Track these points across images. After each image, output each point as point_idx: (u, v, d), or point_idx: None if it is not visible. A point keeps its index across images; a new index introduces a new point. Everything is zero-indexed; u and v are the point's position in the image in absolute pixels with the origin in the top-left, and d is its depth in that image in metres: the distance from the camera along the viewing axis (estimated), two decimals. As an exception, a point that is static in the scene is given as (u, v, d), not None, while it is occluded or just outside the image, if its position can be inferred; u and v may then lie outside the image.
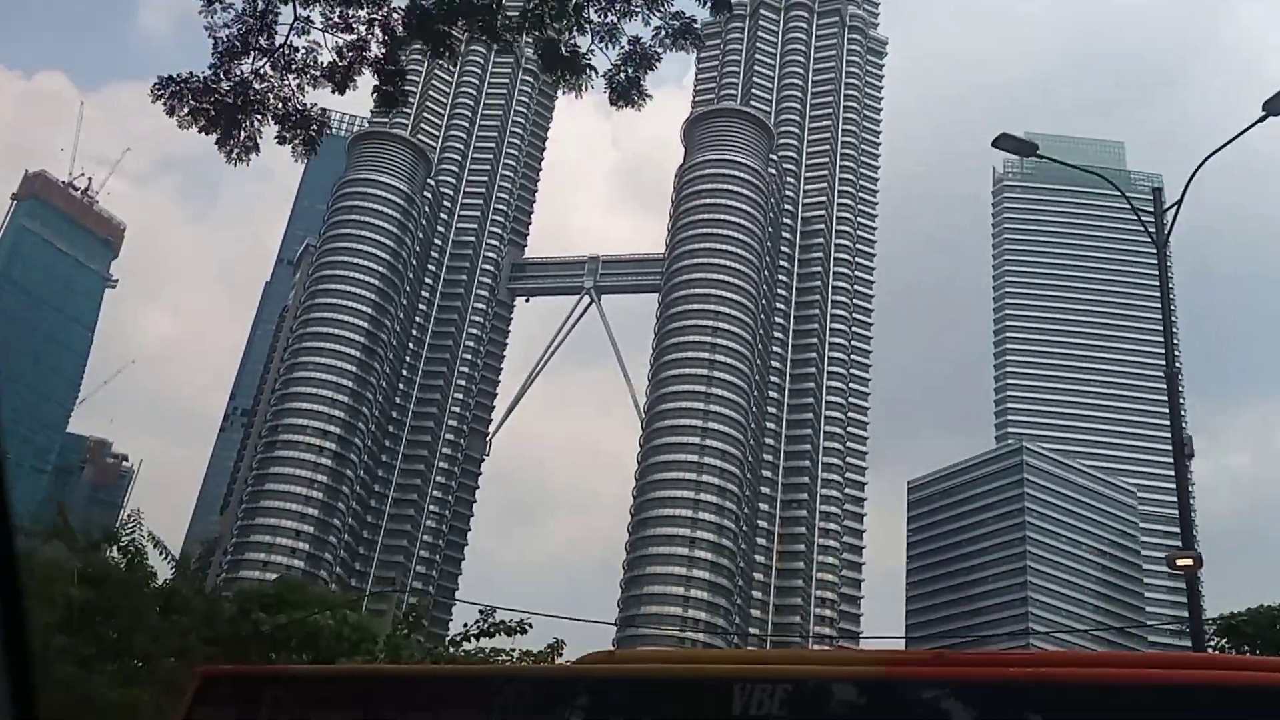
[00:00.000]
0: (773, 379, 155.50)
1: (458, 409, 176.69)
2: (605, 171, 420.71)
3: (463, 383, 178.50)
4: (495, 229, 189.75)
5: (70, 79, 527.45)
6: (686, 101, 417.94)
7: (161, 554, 30.70)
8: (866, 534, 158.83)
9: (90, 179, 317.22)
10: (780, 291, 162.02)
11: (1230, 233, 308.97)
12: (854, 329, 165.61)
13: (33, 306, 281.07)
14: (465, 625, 27.06)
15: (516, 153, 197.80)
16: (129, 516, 32.69)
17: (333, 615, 29.17)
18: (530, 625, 26.83)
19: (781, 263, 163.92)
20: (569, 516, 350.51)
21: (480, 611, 27.02)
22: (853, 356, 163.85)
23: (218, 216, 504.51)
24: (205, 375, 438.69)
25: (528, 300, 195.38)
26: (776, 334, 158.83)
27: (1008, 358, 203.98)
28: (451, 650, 28.74)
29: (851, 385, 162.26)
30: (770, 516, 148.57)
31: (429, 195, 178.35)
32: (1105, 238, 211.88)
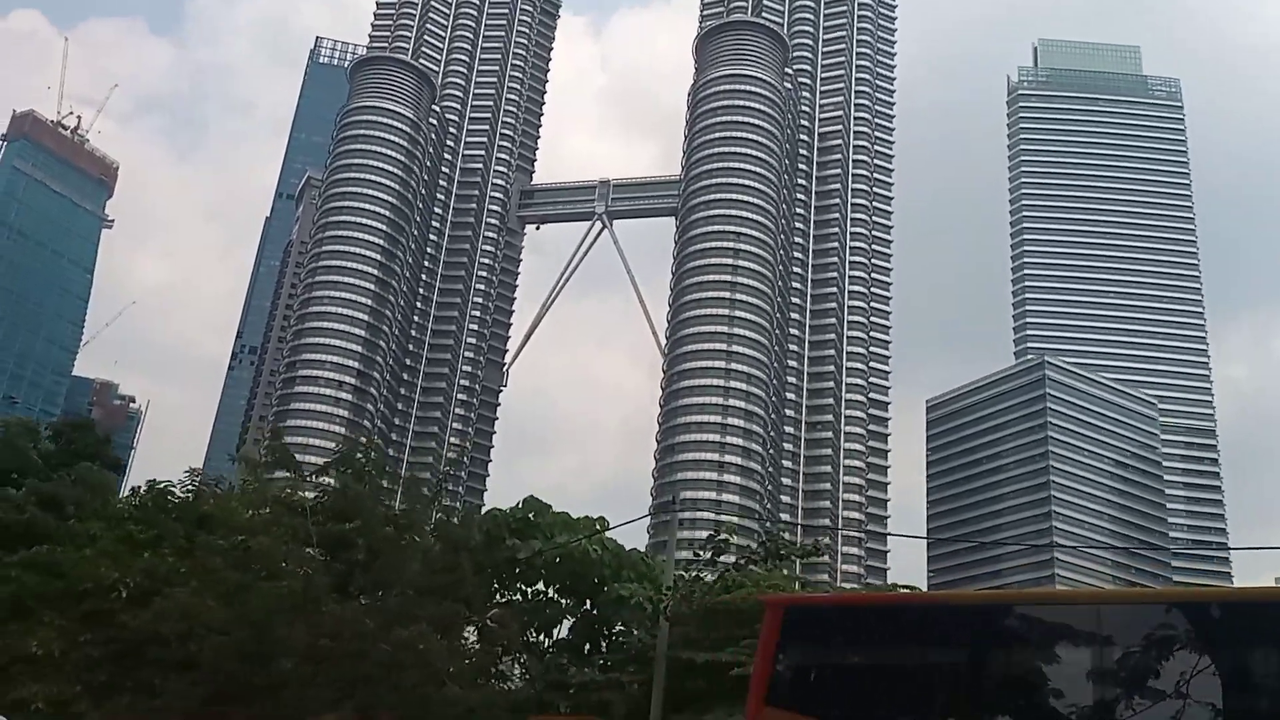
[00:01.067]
0: (794, 299, 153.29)
1: (473, 339, 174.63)
2: (595, 94, 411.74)
3: (477, 313, 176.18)
4: (503, 154, 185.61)
5: (47, 17, 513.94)
6: (676, 21, 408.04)
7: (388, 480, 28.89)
8: (889, 454, 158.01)
9: (80, 118, 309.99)
10: (799, 210, 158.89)
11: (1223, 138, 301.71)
12: (874, 246, 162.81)
13: (30, 250, 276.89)
14: (696, 552, 24.70)
15: (521, 75, 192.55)
16: (363, 441, 31.15)
17: (587, 540, 26.75)
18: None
19: (799, 180, 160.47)
20: (568, 448, 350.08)
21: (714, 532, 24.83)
22: (873, 275, 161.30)
23: (203, 156, 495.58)
24: (201, 317, 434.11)
25: (538, 228, 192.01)
26: (796, 253, 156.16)
27: (1026, 271, 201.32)
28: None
29: (873, 304, 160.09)
30: (795, 439, 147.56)
31: (434, 121, 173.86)
32: (1123, 145, 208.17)
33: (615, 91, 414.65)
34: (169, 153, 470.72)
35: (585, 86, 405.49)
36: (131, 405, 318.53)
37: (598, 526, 27.74)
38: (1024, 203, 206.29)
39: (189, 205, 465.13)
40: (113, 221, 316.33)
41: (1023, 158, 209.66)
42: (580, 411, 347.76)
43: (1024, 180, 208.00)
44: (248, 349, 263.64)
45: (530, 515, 28.27)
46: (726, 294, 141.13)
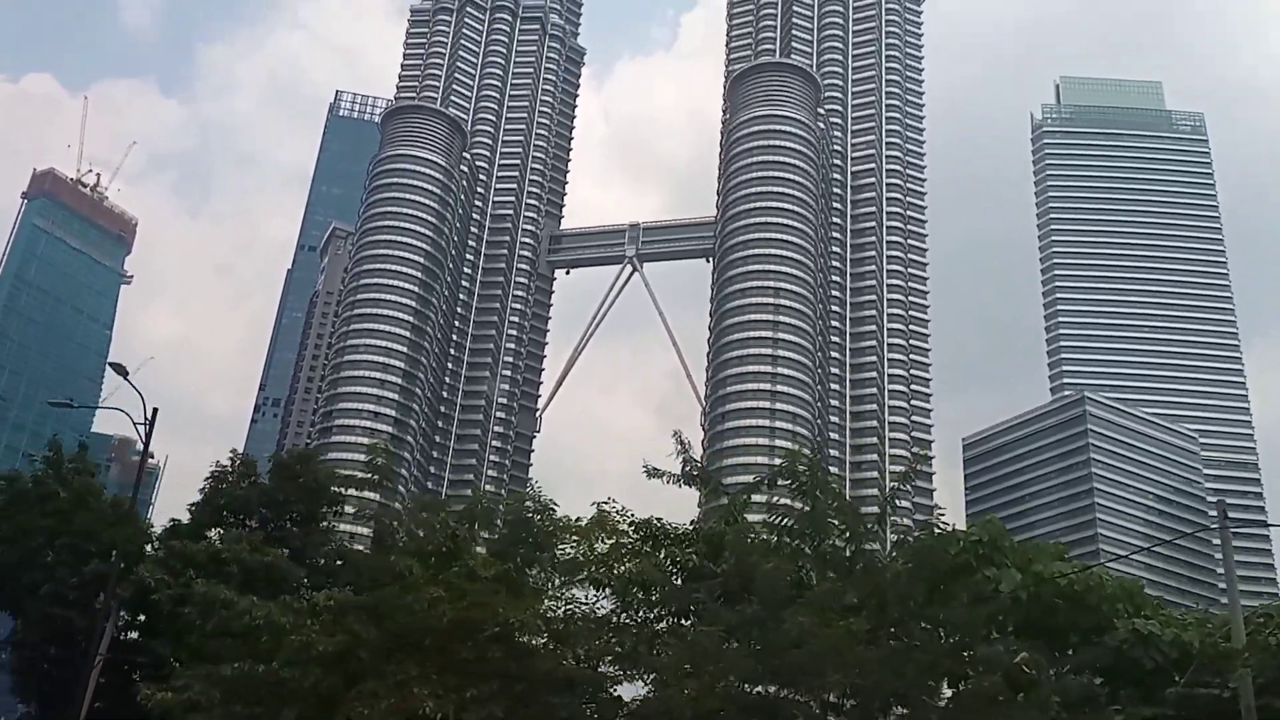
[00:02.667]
0: (833, 338, 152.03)
1: (506, 385, 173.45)
2: (598, 144, 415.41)
3: (510, 358, 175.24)
4: (532, 200, 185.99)
5: (59, 80, 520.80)
6: (677, 71, 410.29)
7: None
8: (934, 493, 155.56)
9: (99, 175, 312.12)
10: (835, 249, 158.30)
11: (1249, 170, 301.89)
12: (910, 283, 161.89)
13: (51, 306, 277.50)
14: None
15: (548, 122, 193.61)
16: (805, 454, 25.29)
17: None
18: None
19: (834, 218, 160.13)
20: (605, 492, 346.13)
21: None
22: (910, 312, 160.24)
23: (212, 211, 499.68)
24: (213, 371, 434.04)
25: (568, 272, 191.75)
26: (834, 291, 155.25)
27: (1059, 307, 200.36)
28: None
29: (912, 342, 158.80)
30: (840, 479, 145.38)
31: (465, 169, 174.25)
32: (1150, 179, 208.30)
33: (619, 141, 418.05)
34: (179, 209, 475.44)
35: (589, 136, 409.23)
36: (150, 461, 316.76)
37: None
38: (1053, 238, 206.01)
39: (199, 260, 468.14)
40: (131, 277, 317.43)
41: (1050, 193, 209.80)
42: (614, 454, 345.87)
43: (1052, 216, 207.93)
44: (271, 401, 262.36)
45: (988, 539, 24.33)
46: (769, 333, 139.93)
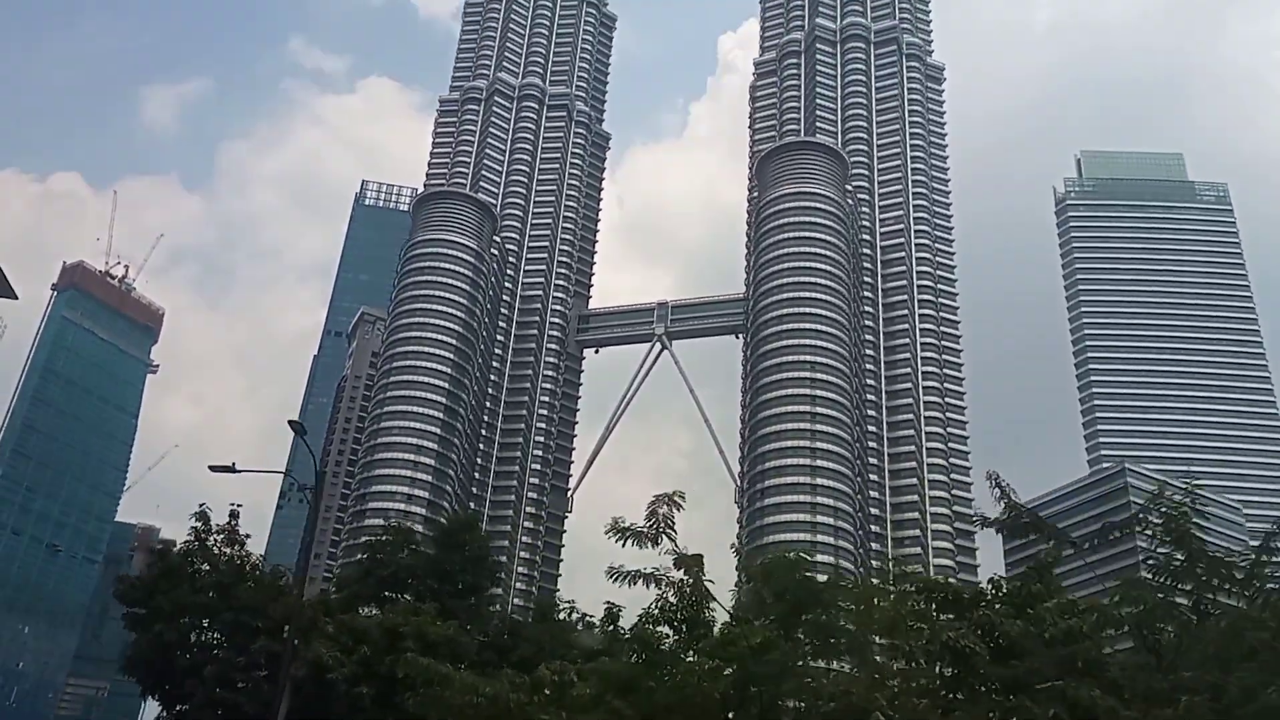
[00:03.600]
0: (870, 412, 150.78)
1: (538, 465, 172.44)
2: (612, 229, 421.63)
3: (540, 439, 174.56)
4: (560, 280, 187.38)
5: (84, 178, 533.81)
6: (685, 155, 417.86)
7: None
8: (979, 569, 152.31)
9: (127, 267, 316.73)
10: (867, 323, 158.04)
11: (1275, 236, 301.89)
12: (944, 355, 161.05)
13: (79, 397, 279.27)
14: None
15: (575, 204, 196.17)
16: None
17: None
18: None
19: (865, 293, 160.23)
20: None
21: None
22: (946, 384, 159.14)
23: (231, 302, 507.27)
24: (229, 457, 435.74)
25: (597, 351, 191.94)
26: (868, 365, 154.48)
27: (1092, 378, 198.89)
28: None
29: (949, 414, 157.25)
30: (882, 555, 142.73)
31: (495, 252, 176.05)
32: (1177, 250, 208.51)
33: (634, 224, 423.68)
34: (198, 301, 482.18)
35: (603, 221, 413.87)
36: (173, 550, 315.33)
37: None
38: (1082, 309, 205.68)
39: (216, 351, 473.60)
40: (157, 366, 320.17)
41: (1077, 265, 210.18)
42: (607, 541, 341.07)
43: (1080, 288, 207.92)
44: (296, 487, 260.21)
45: None
46: (807, 407, 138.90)
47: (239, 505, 40.32)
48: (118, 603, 41.34)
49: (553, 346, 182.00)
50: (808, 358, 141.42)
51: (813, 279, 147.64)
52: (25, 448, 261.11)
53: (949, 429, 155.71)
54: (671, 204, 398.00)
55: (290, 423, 29.96)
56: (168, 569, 40.86)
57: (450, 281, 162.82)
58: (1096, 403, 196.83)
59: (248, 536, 40.58)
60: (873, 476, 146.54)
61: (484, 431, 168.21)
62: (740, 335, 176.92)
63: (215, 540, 41.09)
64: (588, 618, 36.41)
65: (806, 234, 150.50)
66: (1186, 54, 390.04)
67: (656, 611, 20.62)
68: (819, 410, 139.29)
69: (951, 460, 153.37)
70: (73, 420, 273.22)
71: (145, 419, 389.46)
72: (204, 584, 39.66)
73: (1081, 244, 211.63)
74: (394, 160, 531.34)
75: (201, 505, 42.21)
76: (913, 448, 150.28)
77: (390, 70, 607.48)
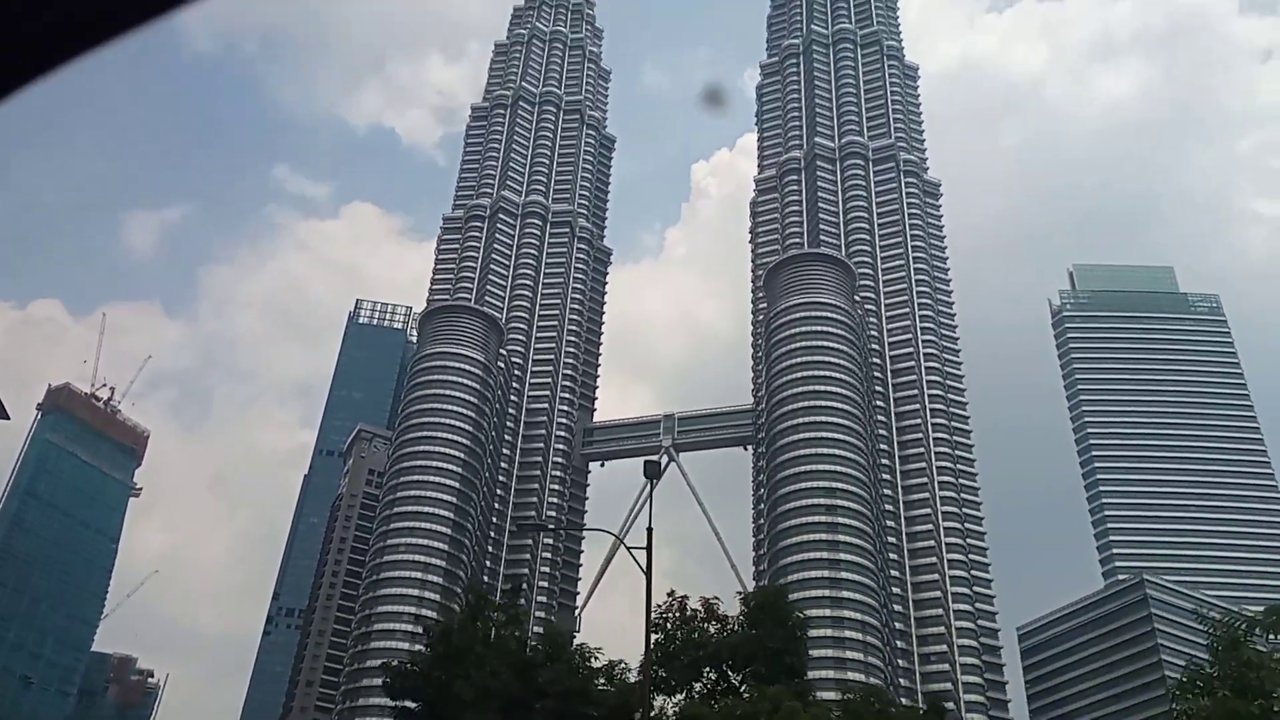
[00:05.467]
0: (889, 523, 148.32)
1: (544, 584, 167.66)
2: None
3: (547, 554, 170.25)
4: (566, 394, 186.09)
5: (65, 304, 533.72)
6: (663, 274, 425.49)
7: None
8: (1007, 685, 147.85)
9: (113, 389, 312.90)
10: (881, 432, 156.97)
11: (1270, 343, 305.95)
12: (959, 467, 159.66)
13: (59, 522, 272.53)
14: None
15: (579, 319, 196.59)
16: None
17: None
18: None
19: (877, 402, 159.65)
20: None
21: None
22: (963, 494, 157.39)
23: (207, 427, 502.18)
24: (201, 586, 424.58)
25: (602, 465, 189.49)
26: (884, 475, 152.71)
27: (1100, 488, 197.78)
28: None
29: (967, 526, 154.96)
30: (909, 673, 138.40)
31: (502, 365, 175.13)
32: (1174, 361, 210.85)
33: (615, 341, 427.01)
34: (174, 425, 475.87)
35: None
36: (149, 681, 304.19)
37: None
38: (1085, 419, 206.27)
39: (193, 475, 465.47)
40: (140, 490, 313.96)
41: (1077, 375, 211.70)
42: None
43: (1082, 399, 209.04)
44: (285, 611, 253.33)
45: None
46: (825, 518, 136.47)
47: (523, 577, 36.48)
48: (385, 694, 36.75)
49: (559, 460, 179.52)
50: (826, 466, 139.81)
51: (829, 388, 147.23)
52: (2, 575, 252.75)
53: (968, 539, 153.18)
54: (651, 321, 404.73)
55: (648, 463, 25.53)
56: (451, 652, 36.81)
57: (458, 394, 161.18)
58: (1107, 513, 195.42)
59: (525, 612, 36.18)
60: (895, 590, 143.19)
61: (490, 548, 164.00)
62: (749, 447, 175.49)
63: (494, 618, 36.86)
64: None
65: (820, 343, 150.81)
66: (1152, 177, 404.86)
67: None
68: (840, 521, 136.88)
69: (974, 573, 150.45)
70: (52, 546, 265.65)
71: (122, 544, 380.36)
72: (517, 664, 35.51)
73: (1081, 356, 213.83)
74: (377, 282, 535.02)
75: (470, 579, 37.77)
76: (934, 559, 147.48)
77: (372, 196, 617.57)
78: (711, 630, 35.83)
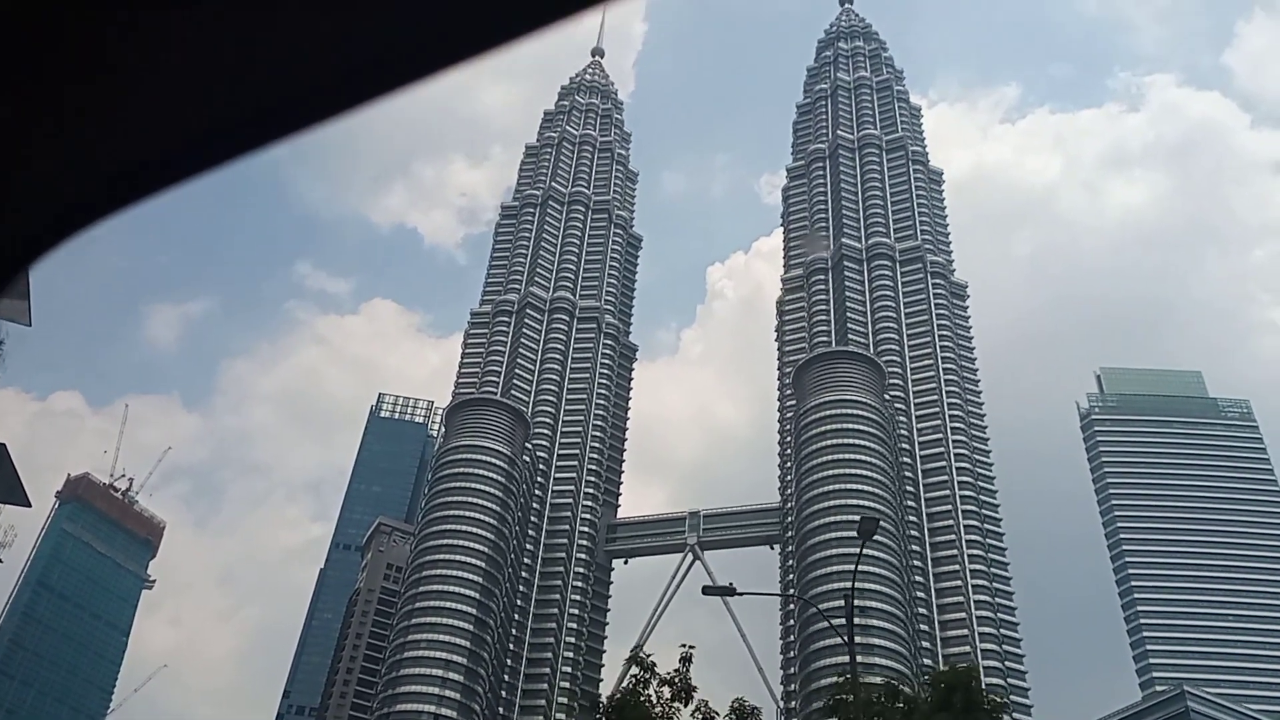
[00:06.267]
0: (922, 627, 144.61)
1: (566, 683, 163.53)
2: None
3: (569, 654, 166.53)
4: (590, 489, 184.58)
5: (85, 397, 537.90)
6: (679, 372, 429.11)
7: None
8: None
9: (131, 480, 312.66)
10: (913, 534, 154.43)
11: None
12: (993, 569, 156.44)
13: (70, 614, 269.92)
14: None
15: (605, 414, 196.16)
16: None
17: None
18: None
19: (909, 502, 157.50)
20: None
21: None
22: (997, 599, 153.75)
23: (217, 522, 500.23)
24: (204, 684, 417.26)
25: (626, 562, 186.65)
26: (917, 577, 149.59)
27: (1135, 595, 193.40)
28: None
29: (1003, 631, 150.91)
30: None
31: (527, 459, 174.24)
32: (1206, 467, 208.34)
33: (631, 439, 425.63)
34: (186, 518, 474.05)
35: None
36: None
37: None
38: (1118, 524, 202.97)
39: (201, 571, 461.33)
40: (154, 582, 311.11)
41: (1108, 479, 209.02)
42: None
43: (1114, 503, 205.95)
44: (295, 709, 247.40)
45: None
46: (858, 619, 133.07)
47: (691, 648, 34.70)
48: None
49: (582, 557, 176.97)
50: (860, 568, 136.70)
51: (861, 486, 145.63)
52: (9, 667, 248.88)
53: (1004, 646, 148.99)
54: (667, 420, 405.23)
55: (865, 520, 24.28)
56: None
57: (484, 488, 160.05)
58: (1143, 621, 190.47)
59: (695, 688, 34.32)
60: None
61: (511, 645, 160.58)
62: (775, 546, 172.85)
63: (659, 693, 34.76)
64: None
65: (853, 441, 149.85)
66: (1167, 285, 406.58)
67: None
68: (872, 624, 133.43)
69: (1010, 680, 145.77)
70: (62, 638, 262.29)
71: (131, 637, 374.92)
72: None
73: (1111, 460, 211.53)
74: (394, 377, 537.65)
75: (635, 649, 36.20)
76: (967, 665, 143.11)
77: (393, 293, 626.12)
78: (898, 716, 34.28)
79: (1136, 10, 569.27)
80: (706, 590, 24.89)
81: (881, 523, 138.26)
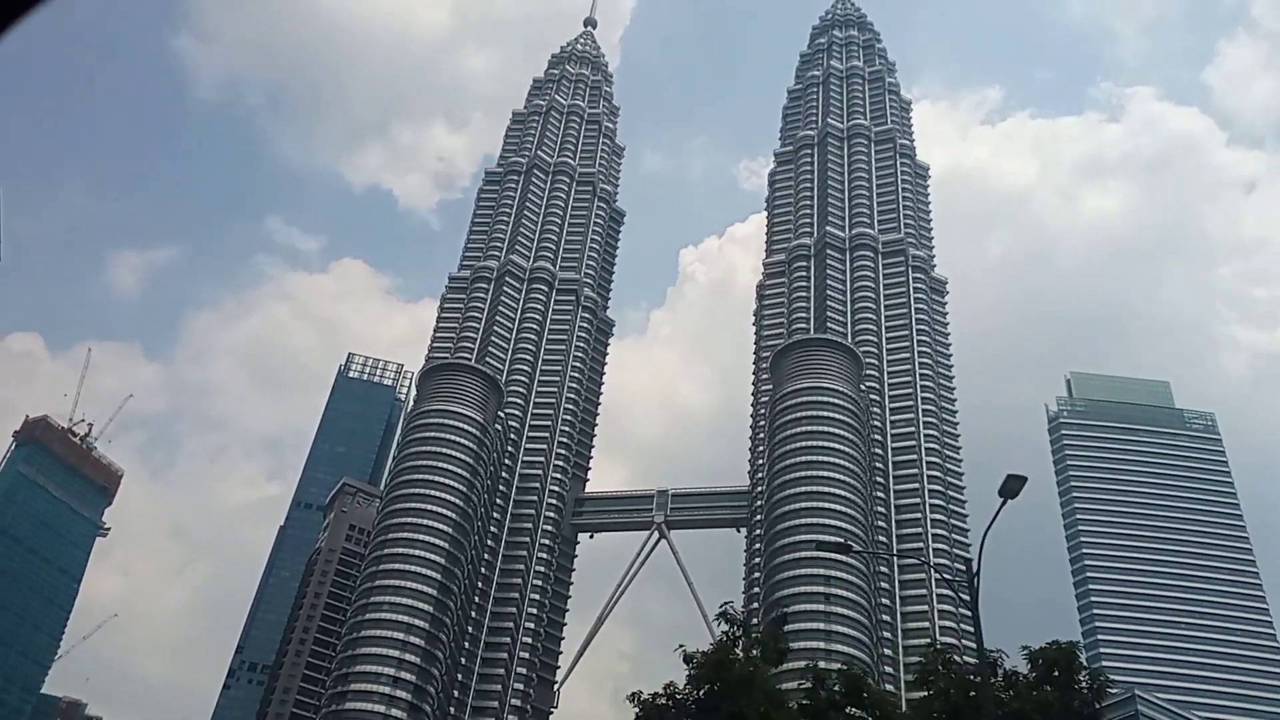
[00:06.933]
0: (884, 618, 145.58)
1: (525, 654, 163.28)
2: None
3: (530, 625, 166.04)
4: (559, 462, 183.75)
5: (44, 339, 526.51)
6: (646, 354, 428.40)
7: None
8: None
9: (90, 425, 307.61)
10: (880, 524, 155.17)
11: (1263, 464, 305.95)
12: (956, 564, 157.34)
13: (20, 556, 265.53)
14: None
15: (578, 387, 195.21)
16: None
17: None
18: None
19: (878, 493, 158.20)
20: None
21: None
22: (960, 593, 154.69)
23: (173, 474, 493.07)
24: (152, 636, 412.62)
25: (592, 536, 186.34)
26: (882, 568, 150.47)
27: (1092, 598, 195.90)
28: None
29: (962, 626, 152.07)
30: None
31: (499, 427, 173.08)
32: (1169, 476, 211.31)
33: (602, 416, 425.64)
34: (141, 469, 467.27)
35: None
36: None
37: None
38: (1079, 527, 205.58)
39: (153, 522, 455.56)
40: (109, 529, 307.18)
41: (1071, 483, 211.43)
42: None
43: (1076, 507, 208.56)
44: (248, 665, 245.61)
45: None
46: (822, 606, 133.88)
47: (786, 608, 33.65)
48: None
49: (548, 529, 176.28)
50: (823, 555, 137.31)
51: (831, 474, 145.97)
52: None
53: (963, 641, 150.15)
54: (632, 399, 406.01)
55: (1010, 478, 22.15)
56: (729, 687, 34.16)
57: (454, 453, 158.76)
58: (1098, 624, 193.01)
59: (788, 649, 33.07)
60: (888, 670, 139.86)
61: (473, 613, 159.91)
62: (742, 529, 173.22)
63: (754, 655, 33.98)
64: None
65: (825, 428, 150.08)
66: (1135, 295, 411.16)
67: None
68: (835, 610, 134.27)
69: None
70: (12, 581, 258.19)
71: (85, 584, 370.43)
72: (766, 709, 33.13)
73: (1076, 464, 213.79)
74: (358, 339, 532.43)
75: (725, 605, 35.87)
76: (927, 648, 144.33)
77: (363, 254, 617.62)
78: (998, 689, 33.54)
79: (1122, 22, 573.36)
80: (821, 547, 23.89)
81: (849, 511, 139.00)
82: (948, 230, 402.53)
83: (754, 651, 35.24)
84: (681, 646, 34.75)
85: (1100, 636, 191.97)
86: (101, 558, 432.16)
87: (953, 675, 35.66)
